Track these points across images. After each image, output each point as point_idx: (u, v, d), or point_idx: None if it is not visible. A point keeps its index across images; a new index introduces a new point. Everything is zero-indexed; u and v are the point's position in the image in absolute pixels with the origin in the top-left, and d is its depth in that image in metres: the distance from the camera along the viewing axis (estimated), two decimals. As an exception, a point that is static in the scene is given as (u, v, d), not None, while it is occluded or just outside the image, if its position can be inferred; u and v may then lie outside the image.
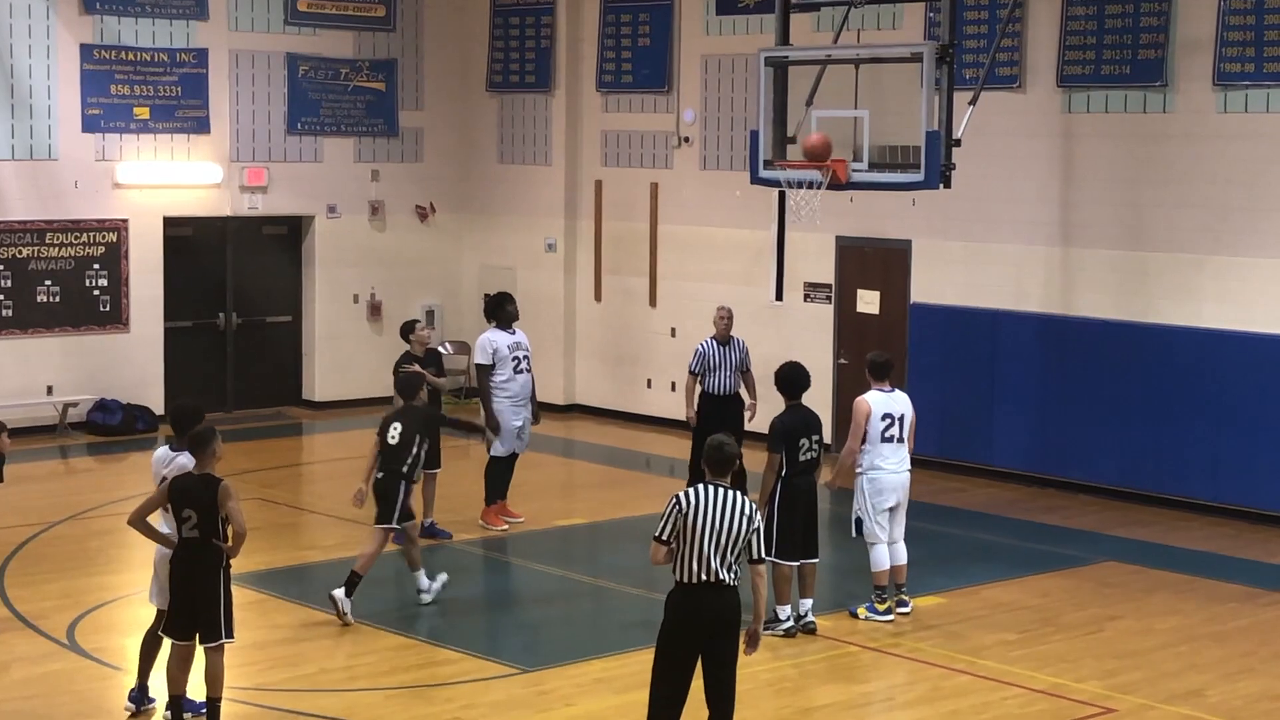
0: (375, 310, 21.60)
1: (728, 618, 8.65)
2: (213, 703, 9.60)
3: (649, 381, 20.17)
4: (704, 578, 8.58)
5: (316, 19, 20.84)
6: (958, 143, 14.43)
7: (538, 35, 21.26)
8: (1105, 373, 16.48)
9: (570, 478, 18.22)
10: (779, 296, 19.06)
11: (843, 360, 18.32)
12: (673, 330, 19.87)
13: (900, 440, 12.35)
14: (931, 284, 17.80)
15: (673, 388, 18.99)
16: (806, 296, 18.82)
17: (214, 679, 9.59)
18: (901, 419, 12.36)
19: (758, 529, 8.67)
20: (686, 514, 8.63)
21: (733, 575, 8.64)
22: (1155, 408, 16.13)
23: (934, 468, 17.59)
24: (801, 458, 11.87)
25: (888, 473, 12.30)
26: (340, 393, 21.36)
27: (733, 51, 19.20)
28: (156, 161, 19.78)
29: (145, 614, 12.36)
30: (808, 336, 18.66)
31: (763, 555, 8.79)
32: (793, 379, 12.10)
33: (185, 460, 9.87)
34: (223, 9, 20.10)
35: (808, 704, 10.53)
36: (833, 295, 18.61)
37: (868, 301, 18.35)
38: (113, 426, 19.21)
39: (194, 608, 9.53)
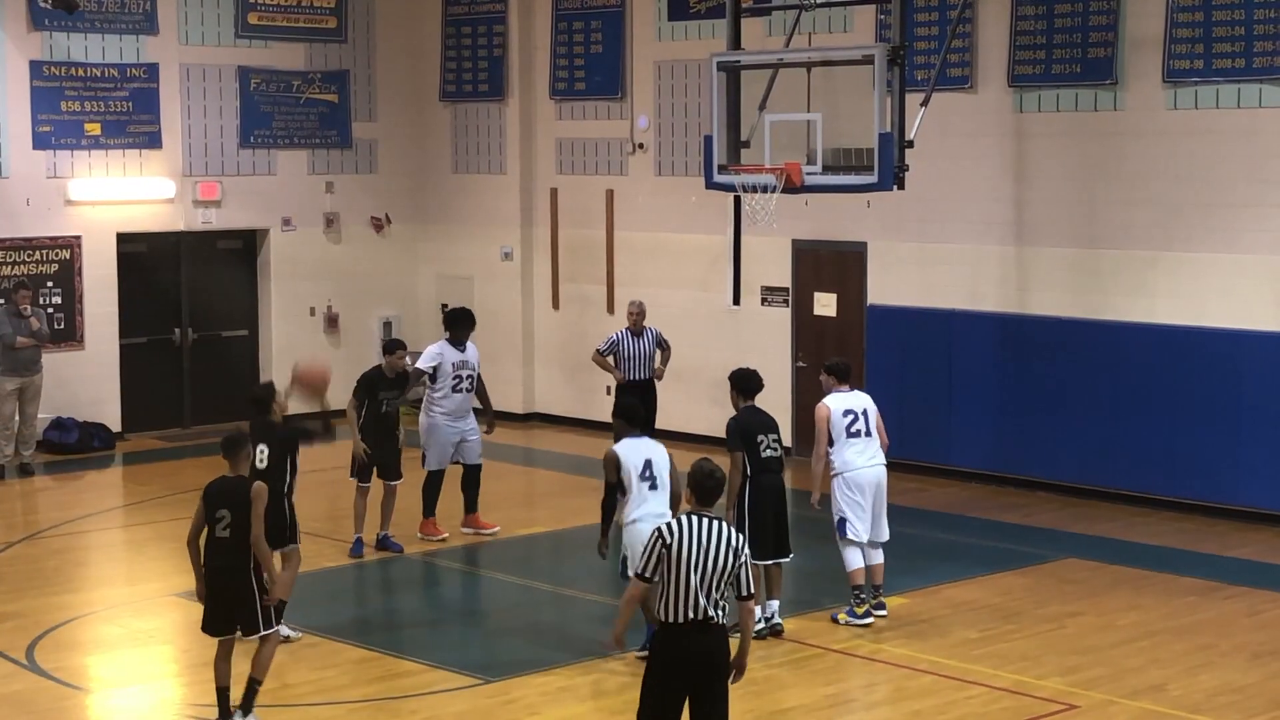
0: (332, 323, 21.53)
1: (718, 660, 8.20)
2: (252, 681, 10.00)
3: (609, 389, 20.11)
4: (691, 616, 8.10)
5: (267, 31, 20.77)
6: (910, 144, 14.49)
7: (490, 44, 21.24)
8: (1062, 370, 16.56)
9: (531, 486, 18.20)
10: (736, 301, 19.09)
11: (801, 363, 18.35)
12: (631, 337, 19.86)
13: (869, 434, 12.39)
14: (887, 285, 17.85)
15: (632, 394, 18.98)
16: (764, 300, 18.85)
17: (259, 663, 10.02)
18: (865, 413, 12.41)
19: (745, 562, 8.20)
20: (671, 546, 8.13)
21: (721, 613, 8.19)
22: (1112, 404, 16.21)
23: (893, 468, 17.45)
24: (763, 454, 11.88)
25: (860, 469, 12.34)
26: (299, 406, 21.20)
27: (685, 57, 19.23)
28: (109, 178, 19.68)
29: (105, 633, 12.33)
30: (766, 340, 18.69)
31: (752, 591, 8.28)
32: (747, 379, 12.12)
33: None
34: (173, 23, 20.01)
35: (774, 706, 10.54)
36: (790, 298, 18.64)
37: (824, 304, 18.39)
38: (69, 445, 19.08)
39: (230, 605, 9.87)
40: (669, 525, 8.23)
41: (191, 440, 20.16)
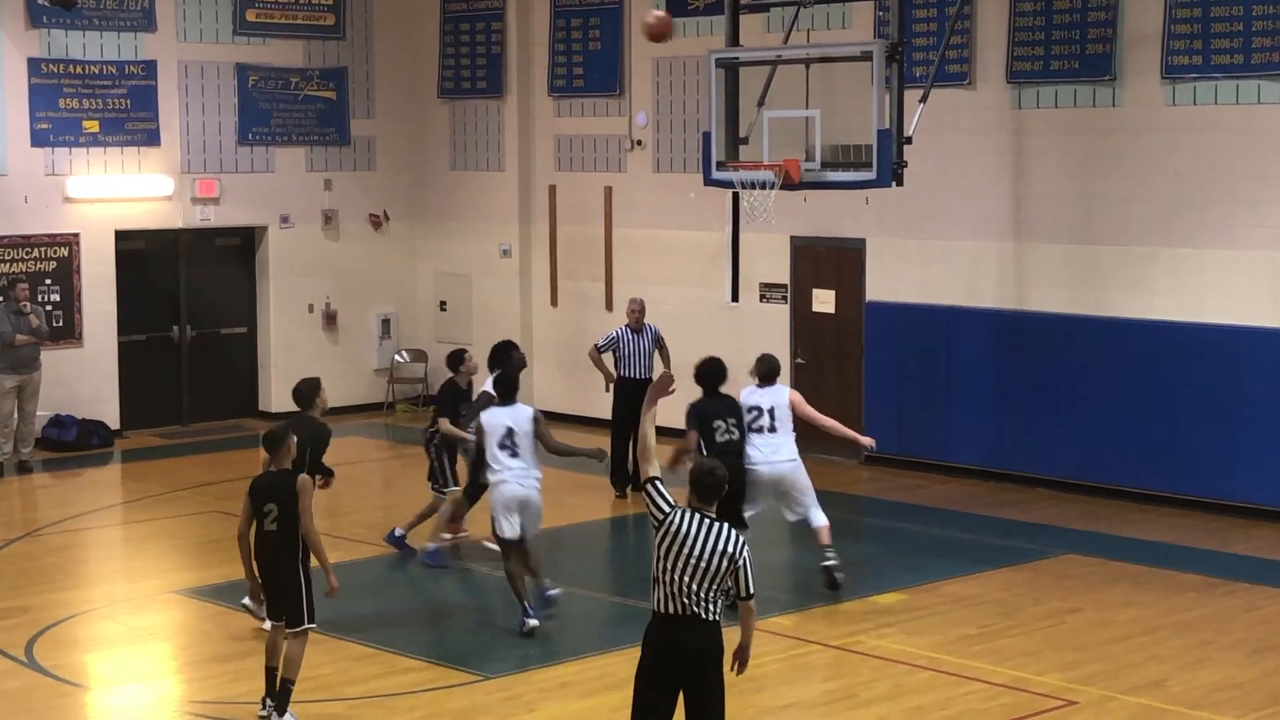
0: (330, 320, 21.53)
1: (708, 656, 8.03)
2: (285, 684, 10.07)
3: (607, 386, 20.14)
4: (680, 610, 7.98)
5: (265, 29, 20.76)
6: (909, 140, 14.50)
7: (488, 41, 21.23)
8: (1060, 366, 16.56)
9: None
10: (735, 298, 19.05)
11: (800, 360, 18.35)
12: (629, 333, 19.86)
13: (772, 430, 12.80)
14: (886, 282, 17.85)
15: (631, 391, 18.97)
16: (762, 297, 18.85)
17: (290, 662, 10.08)
18: (772, 410, 12.85)
19: (742, 566, 8.01)
20: (670, 534, 7.99)
21: (715, 610, 8.03)
22: (1111, 400, 16.22)
23: (892, 465, 17.64)
24: (719, 438, 12.48)
25: (757, 465, 12.74)
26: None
27: (683, 54, 19.21)
28: (107, 175, 19.68)
29: (104, 630, 12.33)
30: (764, 337, 18.67)
31: (751, 592, 8.11)
32: (711, 370, 12.79)
33: None
34: (171, 20, 20.00)
35: (771, 703, 10.54)
36: (788, 295, 18.64)
37: (823, 301, 18.39)
38: (68, 442, 19.08)
39: (279, 594, 10.13)
40: (681, 513, 8.03)
41: (190, 438, 20.17)
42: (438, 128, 21.91)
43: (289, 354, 21.20)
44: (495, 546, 12.62)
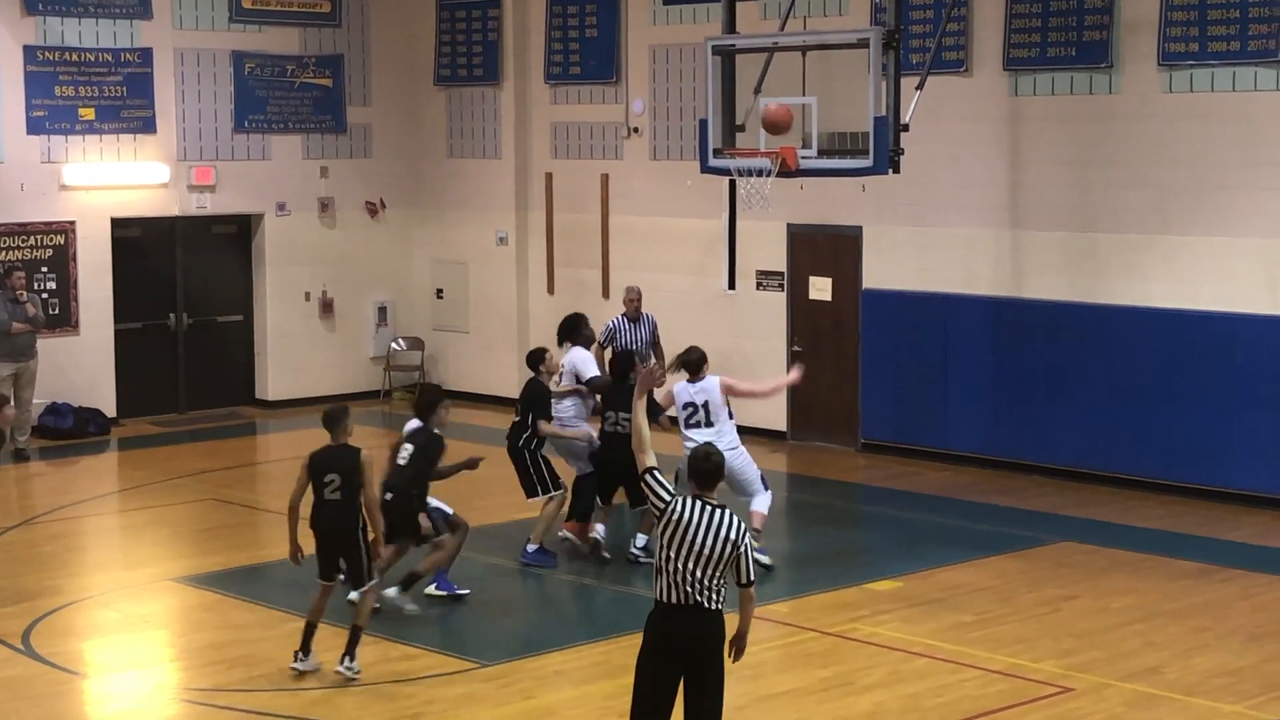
0: (327, 308, 21.52)
1: (709, 645, 8.01)
2: (355, 629, 10.82)
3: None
4: (684, 599, 7.92)
5: (261, 16, 20.72)
6: (906, 128, 14.48)
7: (484, 28, 21.20)
8: (1057, 354, 16.56)
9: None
10: (732, 285, 19.08)
11: (797, 348, 18.35)
12: (626, 321, 19.84)
13: (708, 424, 13.06)
14: (883, 269, 17.85)
15: (627, 378, 18.96)
16: (759, 284, 18.85)
17: (360, 612, 10.88)
18: (706, 405, 13.12)
19: (743, 552, 7.97)
20: (672, 522, 7.94)
21: (718, 598, 7.98)
22: (1107, 388, 16.22)
23: (889, 452, 17.66)
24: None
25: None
26: (293, 391, 21.28)
27: (680, 41, 19.20)
28: (103, 162, 19.65)
29: (101, 618, 12.33)
30: (761, 325, 18.70)
31: (752, 579, 8.08)
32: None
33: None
34: (166, 8, 19.96)
35: (767, 690, 10.55)
36: (785, 283, 18.63)
37: (820, 288, 18.39)
38: (64, 430, 19.07)
39: (338, 558, 10.81)
40: (683, 501, 7.99)
41: (187, 425, 20.16)
42: (434, 115, 21.89)
43: (285, 342, 21.21)
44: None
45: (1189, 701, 10.31)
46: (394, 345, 22.04)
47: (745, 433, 13.04)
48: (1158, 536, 14.47)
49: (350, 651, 10.76)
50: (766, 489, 13.37)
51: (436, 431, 12.10)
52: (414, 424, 12.29)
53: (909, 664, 11.05)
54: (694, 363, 13.21)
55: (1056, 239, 16.62)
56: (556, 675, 10.89)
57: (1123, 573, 13.29)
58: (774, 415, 18.28)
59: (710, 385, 13.17)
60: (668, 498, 8.02)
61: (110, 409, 19.75)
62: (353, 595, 11.33)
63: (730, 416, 13.31)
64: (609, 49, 20.10)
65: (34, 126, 19.13)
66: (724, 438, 12.94)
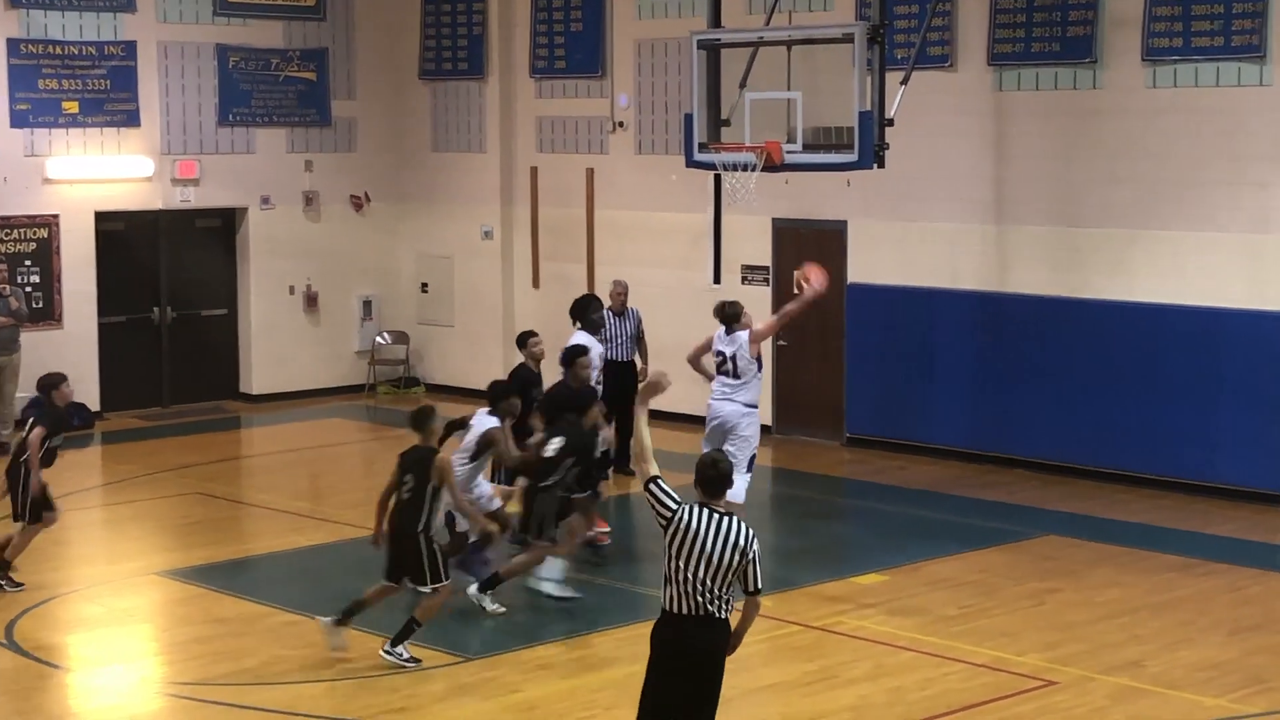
0: (311, 302, 21.49)
1: (719, 658, 7.88)
2: (411, 621, 10.84)
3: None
4: (694, 609, 7.77)
5: (245, 9, 20.68)
6: (890, 122, 14.49)
7: (469, 22, 21.18)
8: (1041, 348, 16.59)
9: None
10: (717, 279, 19.05)
11: (782, 342, 18.35)
12: (611, 315, 19.83)
13: (735, 376, 13.17)
14: (867, 264, 17.86)
15: (612, 373, 18.96)
16: (744, 279, 18.85)
17: (423, 608, 10.88)
18: (734, 357, 13.21)
19: (751, 560, 7.82)
20: (680, 530, 7.77)
21: (727, 608, 7.84)
22: (1092, 382, 16.25)
23: (874, 446, 17.68)
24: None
25: (714, 399, 13.25)
26: (278, 385, 21.25)
27: (665, 35, 19.19)
28: (87, 156, 19.61)
29: (85, 612, 12.30)
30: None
31: (759, 587, 7.91)
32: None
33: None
34: (150, 1, 19.91)
35: (753, 684, 10.55)
36: (770, 277, 18.64)
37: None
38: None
39: (400, 558, 10.83)
40: (689, 509, 7.83)
41: (171, 419, 20.13)
42: (419, 109, 21.87)
43: (270, 336, 21.18)
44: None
45: (1172, 695, 10.34)
46: (379, 339, 22.02)
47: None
48: (1141, 530, 14.50)
49: (399, 640, 10.79)
50: (748, 472, 13.13)
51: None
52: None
53: (894, 657, 11.07)
54: (729, 315, 13.29)
55: (1041, 234, 16.64)
56: (540, 669, 10.89)
57: (1106, 566, 13.32)
58: (759, 409, 18.24)
59: (741, 338, 13.22)
60: (674, 506, 7.86)
61: (94, 403, 19.71)
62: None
63: (759, 371, 13.25)
64: (594, 43, 20.09)
65: (18, 120, 19.07)
66: (743, 392, 13.11)
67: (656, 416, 17.48)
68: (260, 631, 11.71)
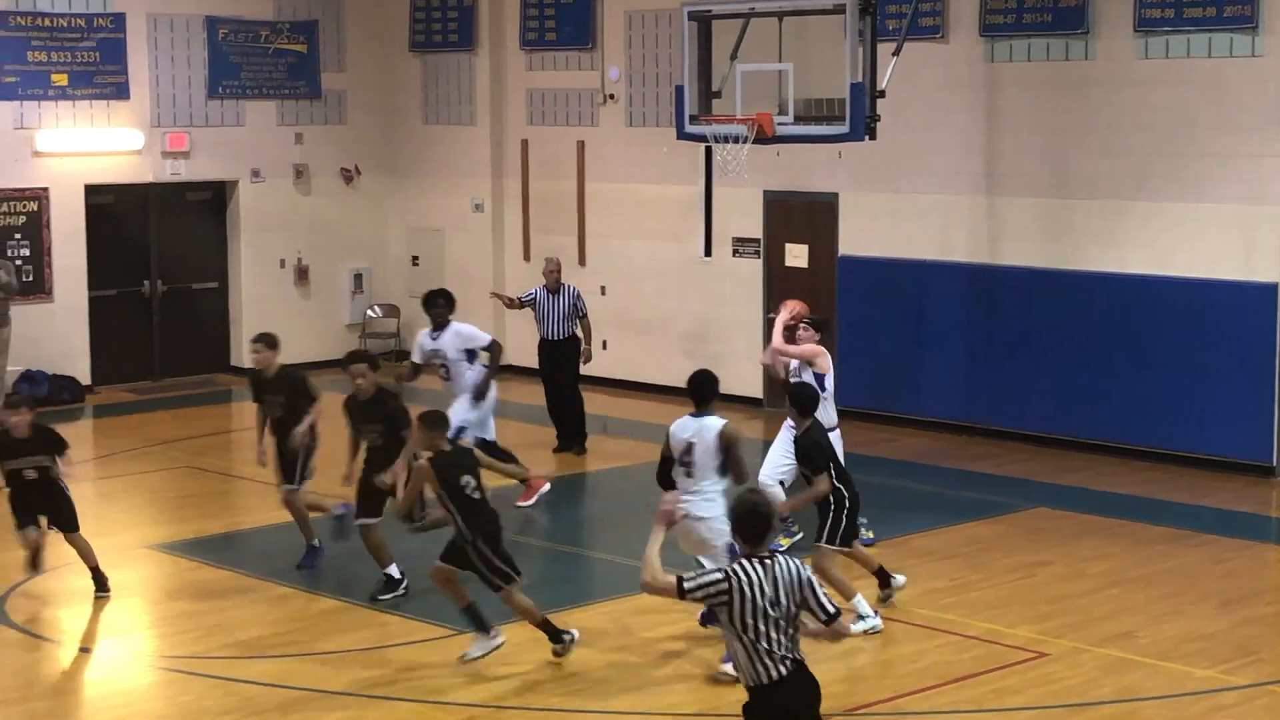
0: (302, 275, 21.46)
1: (816, 710, 7.27)
2: (538, 626, 10.55)
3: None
4: (786, 669, 7.12)
5: (235, -19, 20.63)
6: (882, 94, 14.47)
7: (460, -6, 21.13)
8: (1032, 320, 16.60)
9: (503, 439, 18.12)
10: (708, 252, 19.08)
11: (772, 315, 18.31)
12: (603, 288, 19.81)
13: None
14: (859, 236, 17.85)
15: (604, 345, 18.95)
16: (735, 251, 18.83)
17: (518, 610, 10.52)
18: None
19: (808, 585, 7.18)
20: (739, 596, 7.06)
21: (800, 646, 7.24)
22: (1082, 354, 16.26)
23: (864, 419, 17.66)
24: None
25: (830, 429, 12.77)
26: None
27: (656, 7, 19.14)
28: (76, 129, 19.54)
29: (77, 586, 12.30)
30: (737, 292, 18.69)
31: (834, 609, 7.32)
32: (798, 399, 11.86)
33: None
34: (139, -27, 19.87)
35: (744, 656, 10.55)
36: (761, 250, 18.63)
37: (796, 255, 18.38)
38: (39, 398, 18.90)
39: (471, 569, 10.46)
40: (734, 571, 7.12)
41: (162, 393, 20.10)
42: (409, 81, 21.80)
43: (260, 309, 21.13)
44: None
45: (1162, 666, 10.37)
46: (369, 312, 22.00)
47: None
48: (1131, 502, 14.53)
49: (552, 636, 10.49)
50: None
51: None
52: None
53: (885, 629, 11.08)
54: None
55: (1032, 205, 16.63)
56: (534, 642, 10.89)
57: (1096, 538, 13.34)
58: (750, 383, 18.28)
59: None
60: (722, 576, 7.14)
61: (85, 376, 19.69)
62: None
63: (825, 393, 12.59)
64: (584, 15, 20.02)
65: (6, 93, 19.01)
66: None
67: (644, 388, 17.51)
68: (251, 605, 11.72)
